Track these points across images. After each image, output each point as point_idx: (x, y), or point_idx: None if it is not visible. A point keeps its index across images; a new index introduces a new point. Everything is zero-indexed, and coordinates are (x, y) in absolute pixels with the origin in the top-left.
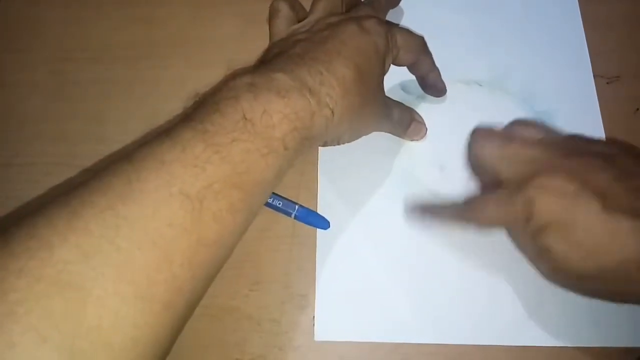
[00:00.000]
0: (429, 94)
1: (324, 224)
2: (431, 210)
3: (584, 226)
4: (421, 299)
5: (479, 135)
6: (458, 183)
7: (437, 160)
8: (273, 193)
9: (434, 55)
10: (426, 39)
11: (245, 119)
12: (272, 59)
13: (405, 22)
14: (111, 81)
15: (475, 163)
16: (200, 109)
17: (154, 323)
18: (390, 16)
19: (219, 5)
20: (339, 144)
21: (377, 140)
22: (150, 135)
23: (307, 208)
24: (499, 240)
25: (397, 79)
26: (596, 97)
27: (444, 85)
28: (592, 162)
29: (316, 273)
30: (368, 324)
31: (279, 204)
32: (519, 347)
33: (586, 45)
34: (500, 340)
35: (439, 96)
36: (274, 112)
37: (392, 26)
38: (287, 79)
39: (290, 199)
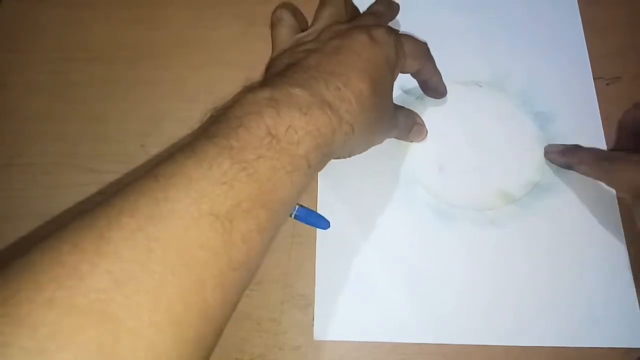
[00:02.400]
0: (429, 96)
1: (324, 224)
2: (571, 152)
3: None
4: (421, 299)
5: None
6: (457, 184)
7: (436, 160)
8: None
9: (434, 56)
10: (426, 40)
11: (271, 135)
12: (285, 72)
13: (405, 23)
14: (111, 81)
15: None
16: (222, 124)
17: (186, 353)
18: None
19: (219, 7)
20: (349, 156)
21: None
22: (171, 149)
23: (307, 208)
24: (499, 241)
25: (396, 79)
26: (596, 98)
27: (445, 88)
28: None
29: (316, 273)
30: (368, 323)
31: None
32: (519, 347)
33: (586, 47)
34: (501, 340)
35: (439, 98)
36: (298, 128)
37: (400, 35)
38: (306, 94)
39: None
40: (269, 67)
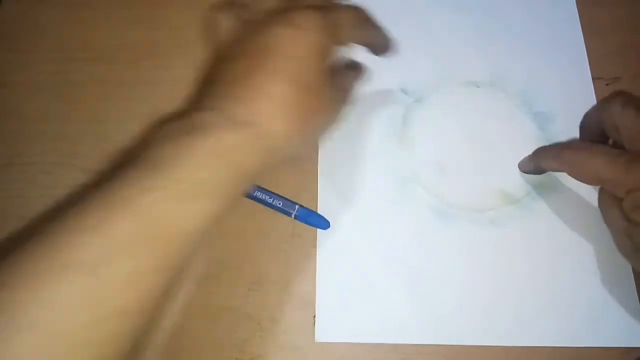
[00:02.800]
0: (380, 57)
1: (324, 224)
2: (535, 152)
3: None
4: (421, 300)
5: (624, 98)
6: (457, 184)
7: (437, 161)
8: (273, 193)
9: (434, 57)
10: (425, 41)
11: (162, 166)
12: (204, 90)
13: (404, 23)
14: (111, 81)
15: (607, 122)
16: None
17: None
18: (388, 15)
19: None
20: (299, 156)
21: (377, 141)
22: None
23: (307, 208)
24: (499, 241)
25: (396, 79)
26: (595, 99)
27: (391, 41)
28: None
29: (316, 273)
30: (368, 324)
31: (279, 204)
32: (518, 347)
33: (585, 47)
34: (501, 340)
35: (390, 55)
36: (199, 154)
37: (329, 10)
38: (213, 116)
39: (290, 199)
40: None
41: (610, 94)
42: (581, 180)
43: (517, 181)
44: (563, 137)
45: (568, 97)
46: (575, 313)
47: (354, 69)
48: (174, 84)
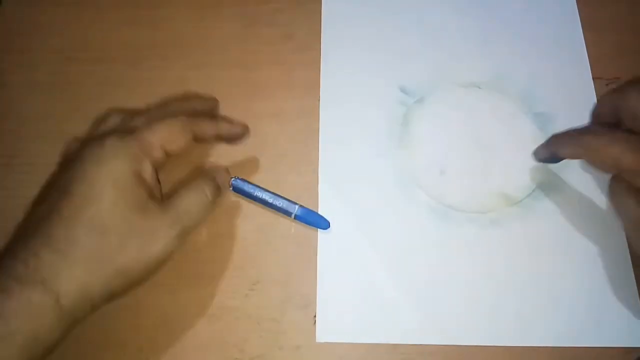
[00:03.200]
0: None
1: (324, 223)
2: (553, 137)
3: None
4: (422, 300)
5: None
6: (458, 186)
7: (437, 163)
8: (273, 193)
9: (434, 57)
10: (425, 41)
11: None
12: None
13: (404, 23)
14: (111, 81)
15: (624, 109)
16: None
17: None
18: (387, 16)
19: (220, 6)
20: (128, 288)
21: (377, 141)
22: None
23: (307, 208)
24: (500, 242)
25: (397, 79)
26: (596, 99)
27: (241, 126)
28: None
29: (317, 274)
30: (368, 324)
31: (280, 204)
32: (519, 348)
33: (585, 47)
34: (501, 340)
35: (242, 138)
36: None
37: (139, 130)
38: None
39: (290, 199)
40: None
41: (627, 81)
42: (597, 167)
43: (517, 182)
44: None
45: (568, 97)
46: (576, 313)
47: (207, 178)
48: (174, 85)
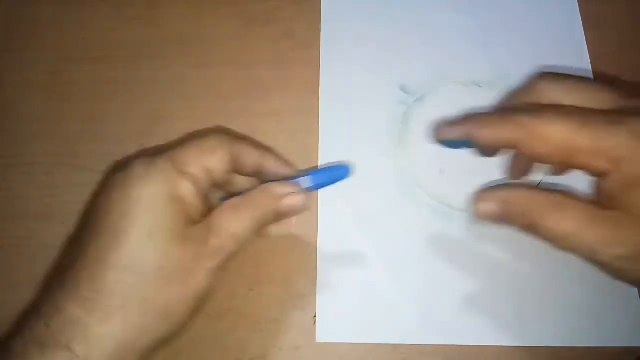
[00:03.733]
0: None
1: (344, 173)
2: (467, 116)
3: None
4: (421, 300)
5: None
6: (458, 186)
7: (437, 163)
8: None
9: (434, 56)
10: (425, 40)
11: None
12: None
13: (404, 23)
14: (110, 80)
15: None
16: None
17: None
18: (387, 14)
19: (219, 6)
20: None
21: (377, 141)
22: None
23: (317, 171)
24: (500, 242)
25: (397, 78)
26: None
27: (290, 168)
28: None
29: (317, 274)
30: (368, 324)
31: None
32: (519, 347)
33: (586, 45)
34: (500, 340)
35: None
36: None
37: (171, 149)
38: (26, 336)
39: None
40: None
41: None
42: (537, 156)
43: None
44: None
45: None
46: (576, 313)
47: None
48: (174, 83)
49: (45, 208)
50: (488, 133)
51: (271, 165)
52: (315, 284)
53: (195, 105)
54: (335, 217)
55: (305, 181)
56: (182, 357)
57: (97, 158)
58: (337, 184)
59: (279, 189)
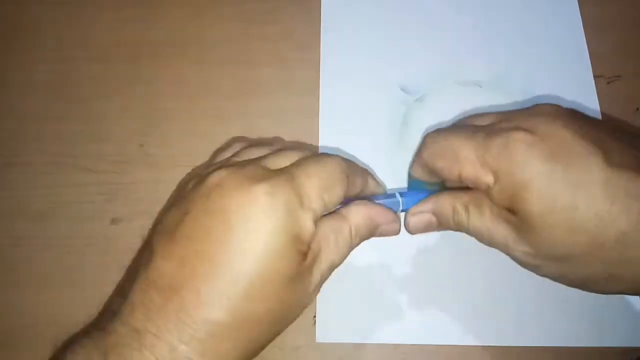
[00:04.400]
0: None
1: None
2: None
3: (580, 184)
4: (421, 299)
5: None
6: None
7: None
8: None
9: (435, 56)
10: (425, 39)
11: None
12: (131, 278)
13: (404, 23)
14: (110, 80)
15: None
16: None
17: None
18: (387, 14)
19: (219, 6)
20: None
21: (377, 140)
22: None
23: (407, 192)
24: None
25: (397, 78)
26: (596, 97)
27: (382, 189)
28: (577, 119)
29: None
30: (369, 324)
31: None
32: (519, 347)
33: (586, 45)
34: (500, 340)
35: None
36: None
37: (288, 171)
38: (126, 337)
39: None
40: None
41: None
42: (444, 174)
43: None
44: None
45: (569, 96)
46: (576, 313)
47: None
48: (174, 83)
49: (45, 208)
50: (418, 166)
51: (372, 187)
52: None
53: (195, 105)
54: None
55: (396, 204)
56: None
57: (96, 158)
58: None
59: (381, 217)
